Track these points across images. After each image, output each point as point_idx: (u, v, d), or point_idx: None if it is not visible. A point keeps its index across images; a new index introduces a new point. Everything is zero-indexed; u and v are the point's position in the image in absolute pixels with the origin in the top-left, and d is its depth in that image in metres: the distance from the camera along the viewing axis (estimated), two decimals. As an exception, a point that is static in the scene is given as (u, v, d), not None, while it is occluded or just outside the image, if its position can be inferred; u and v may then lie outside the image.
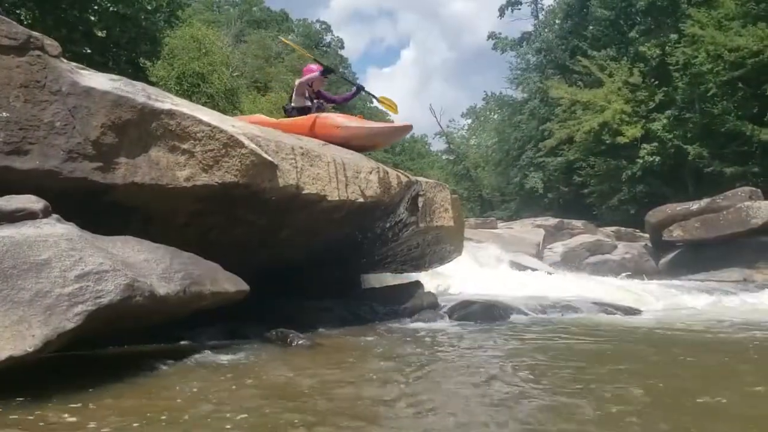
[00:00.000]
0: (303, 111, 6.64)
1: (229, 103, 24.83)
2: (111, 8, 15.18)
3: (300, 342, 4.39)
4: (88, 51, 14.98)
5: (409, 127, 6.77)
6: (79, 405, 2.66)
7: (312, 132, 6.10)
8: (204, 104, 11.88)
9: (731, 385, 3.32)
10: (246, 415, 2.57)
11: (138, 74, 15.38)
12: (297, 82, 7.08)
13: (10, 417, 2.48)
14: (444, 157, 52.54)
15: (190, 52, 23.89)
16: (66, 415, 2.52)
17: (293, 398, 2.89)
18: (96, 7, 15.06)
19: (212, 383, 3.16)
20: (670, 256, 16.79)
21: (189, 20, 26.36)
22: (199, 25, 26.39)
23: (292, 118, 6.63)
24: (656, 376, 3.54)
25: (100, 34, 15.56)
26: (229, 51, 29.17)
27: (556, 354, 4.30)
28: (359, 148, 6.17)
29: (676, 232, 16.17)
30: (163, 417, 2.53)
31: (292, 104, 6.88)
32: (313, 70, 7.02)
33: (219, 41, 27.81)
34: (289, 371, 3.52)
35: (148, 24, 17.33)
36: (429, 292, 7.02)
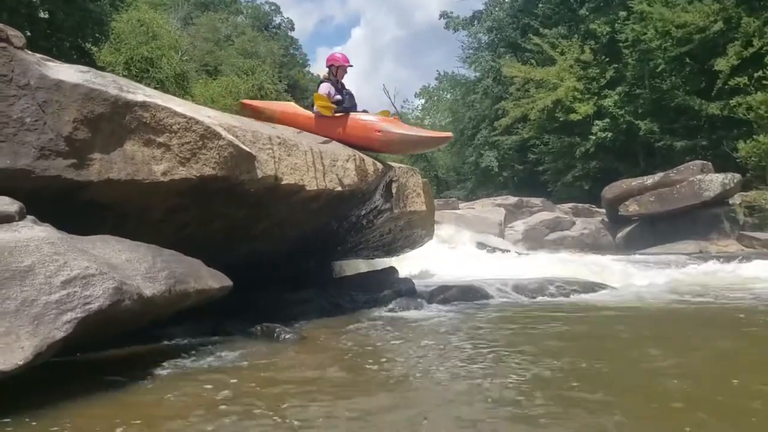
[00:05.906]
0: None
1: (179, 88, 24.18)
2: (54, -10, 14.56)
3: (287, 336, 4.30)
4: (31, 35, 14.30)
5: (449, 137, 6.67)
6: (65, 421, 2.52)
7: (346, 133, 5.91)
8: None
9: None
10: (253, 422, 2.48)
11: (84, 60, 14.81)
12: (321, 76, 6.67)
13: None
14: (398, 137, 52.40)
15: (138, 36, 23.14)
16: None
17: (303, 396, 2.82)
18: (38, -11, 14.42)
19: (207, 387, 3.03)
20: (627, 230, 17.24)
21: (135, 3, 25.51)
22: (146, 8, 25.56)
23: (328, 115, 6.07)
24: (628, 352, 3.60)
25: (43, 15, 14.90)
26: (177, 35, 28.31)
27: (543, 336, 4.34)
28: (396, 153, 6.10)
29: (631, 207, 16.60)
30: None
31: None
32: (338, 58, 6.50)
33: (167, 25, 26.99)
34: (287, 369, 3.44)
35: (93, 7, 16.70)
36: (406, 278, 7.01)
